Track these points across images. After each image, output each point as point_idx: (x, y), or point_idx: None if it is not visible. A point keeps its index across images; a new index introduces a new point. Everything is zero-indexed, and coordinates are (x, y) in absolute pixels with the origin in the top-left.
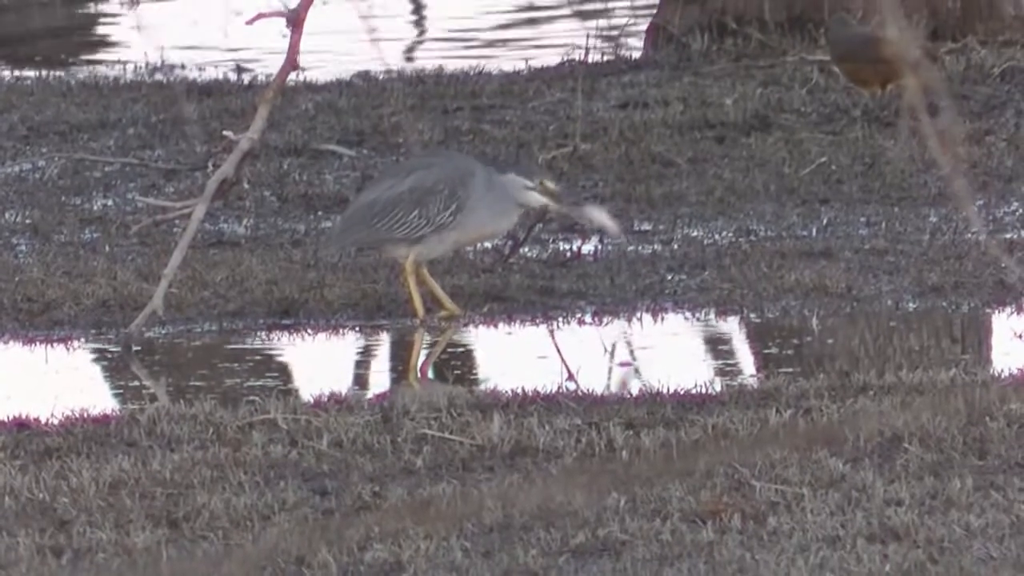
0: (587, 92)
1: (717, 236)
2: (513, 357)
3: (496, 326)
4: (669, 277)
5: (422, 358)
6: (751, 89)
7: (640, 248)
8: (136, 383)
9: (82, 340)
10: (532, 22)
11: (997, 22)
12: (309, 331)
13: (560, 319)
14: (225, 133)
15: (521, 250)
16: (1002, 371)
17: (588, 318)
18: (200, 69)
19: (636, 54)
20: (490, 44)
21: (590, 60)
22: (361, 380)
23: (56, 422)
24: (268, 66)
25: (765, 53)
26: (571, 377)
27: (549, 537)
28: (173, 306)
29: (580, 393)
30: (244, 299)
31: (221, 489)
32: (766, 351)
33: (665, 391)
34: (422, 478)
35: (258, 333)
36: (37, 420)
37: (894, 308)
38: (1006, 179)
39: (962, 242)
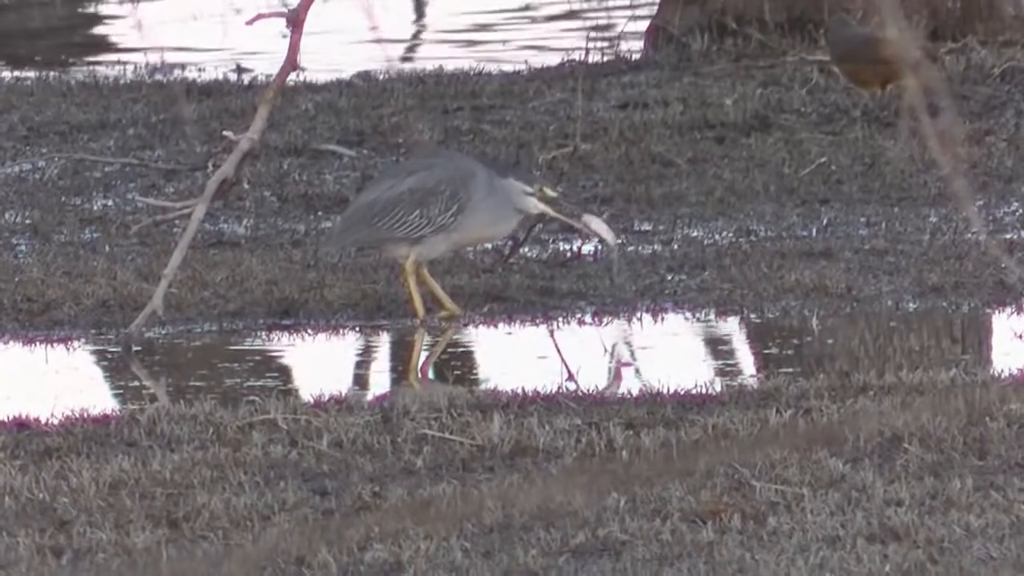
0: (587, 92)
1: (717, 236)
2: (513, 357)
3: (496, 326)
4: (669, 277)
5: (422, 358)
6: (751, 89)
7: (640, 248)
8: (136, 383)
9: (82, 340)
10: (532, 22)
11: (997, 22)
12: (309, 331)
13: (560, 319)
14: (225, 133)
15: (521, 250)
16: (1002, 371)
17: (588, 318)
18: (200, 69)
19: (636, 54)
20: (490, 44)
21: (590, 60)
22: (361, 380)
23: (56, 422)
24: (268, 66)
25: (765, 53)
26: (571, 377)
27: (549, 537)
28: (173, 306)
29: (580, 393)
30: (244, 299)
31: (221, 489)
32: (766, 351)
33: (665, 391)
34: (422, 478)
35: (258, 333)
36: (37, 420)
37: (894, 308)
38: (1006, 179)
39: (962, 242)
